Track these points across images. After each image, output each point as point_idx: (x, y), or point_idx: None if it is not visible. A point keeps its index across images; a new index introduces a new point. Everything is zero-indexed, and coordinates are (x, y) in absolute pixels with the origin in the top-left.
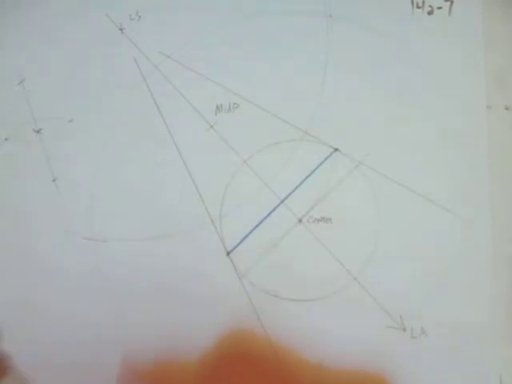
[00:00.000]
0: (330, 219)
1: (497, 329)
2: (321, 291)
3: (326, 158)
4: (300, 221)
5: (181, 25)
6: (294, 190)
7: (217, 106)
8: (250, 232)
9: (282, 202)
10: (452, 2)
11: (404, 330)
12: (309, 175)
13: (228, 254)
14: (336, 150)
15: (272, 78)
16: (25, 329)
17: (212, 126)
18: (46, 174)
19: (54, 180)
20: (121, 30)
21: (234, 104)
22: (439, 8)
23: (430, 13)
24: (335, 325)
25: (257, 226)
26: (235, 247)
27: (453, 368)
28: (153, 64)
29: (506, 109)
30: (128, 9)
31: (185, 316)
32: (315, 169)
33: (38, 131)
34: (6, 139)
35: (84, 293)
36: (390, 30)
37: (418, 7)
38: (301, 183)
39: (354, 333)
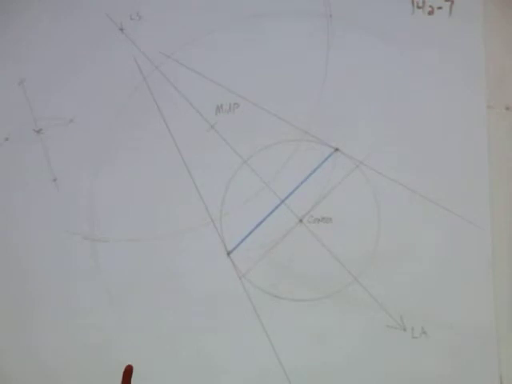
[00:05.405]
0: (331, 219)
1: (497, 329)
2: (321, 291)
3: (326, 158)
4: (301, 221)
5: (181, 25)
6: (294, 190)
7: (217, 106)
8: (251, 232)
9: (283, 202)
10: (452, 2)
11: (404, 329)
12: (309, 175)
13: (228, 254)
14: (336, 149)
15: (272, 78)
16: (25, 328)
17: (212, 126)
18: (46, 174)
19: (54, 180)
20: (121, 29)
21: (235, 104)
22: (439, 8)
23: (430, 13)
24: (335, 325)
25: (257, 226)
26: (235, 247)
27: (453, 368)
28: (153, 64)
29: (506, 109)
30: (128, 9)
31: (185, 316)
32: (315, 169)
33: (38, 131)
34: (6, 139)
35: (84, 293)
36: (390, 30)
37: (418, 7)
38: (301, 183)
39: (354, 333)
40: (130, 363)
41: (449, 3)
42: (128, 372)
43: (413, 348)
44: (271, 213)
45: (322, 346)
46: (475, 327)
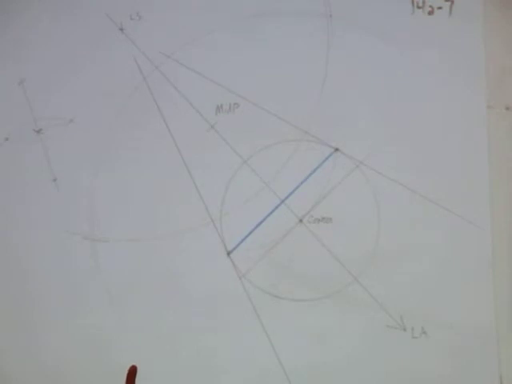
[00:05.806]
0: (331, 219)
1: (497, 329)
2: (321, 291)
3: (326, 158)
4: (301, 221)
5: (181, 25)
6: (294, 190)
7: (217, 106)
8: (251, 232)
9: (283, 201)
10: (452, 2)
11: (404, 329)
12: (309, 175)
13: (228, 254)
14: (336, 149)
15: (272, 78)
16: (25, 328)
17: (212, 126)
18: (46, 174)
19: (54, 180)
20: (121, 29)
21: (235, 104)
22: (439, 8)
23: (430, 13)
24: (335, 325)
25: (257, 226)
26: (235, 247)
27: (453, 368)
28: (153, 64)
29: (506, 109)
30: (128, 9)
31: (185, 316)
32: (315, 169)
33: (38, 131)
34: (6, 139)
35: (84, 293)
36: (390, 30)
37: (418, 7)
38: (301, 183)
39: (354, 333)
40: (130, 363)
41: (449, 3)
42: (132, 373)
43: (413, 348)
44: (271, 213)
45: (322, 346)
46: (475, 327)
